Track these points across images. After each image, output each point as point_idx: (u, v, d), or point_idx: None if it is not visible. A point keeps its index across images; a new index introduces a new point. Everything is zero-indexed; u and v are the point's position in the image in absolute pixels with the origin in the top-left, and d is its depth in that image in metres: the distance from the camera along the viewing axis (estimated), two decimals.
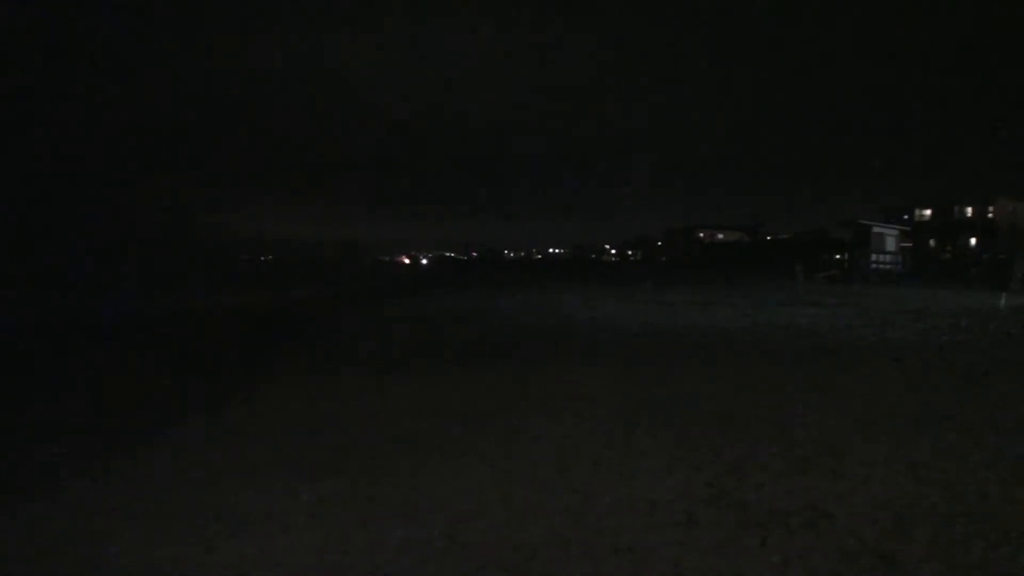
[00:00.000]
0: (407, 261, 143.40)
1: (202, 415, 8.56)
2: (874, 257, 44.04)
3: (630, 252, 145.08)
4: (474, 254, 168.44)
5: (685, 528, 4.94)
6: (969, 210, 70.95)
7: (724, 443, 6.97)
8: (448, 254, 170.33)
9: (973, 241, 67.54)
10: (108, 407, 9.18)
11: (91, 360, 13.54)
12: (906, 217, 71.23)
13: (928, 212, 74.45)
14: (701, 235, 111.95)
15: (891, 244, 46.12)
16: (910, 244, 59.96)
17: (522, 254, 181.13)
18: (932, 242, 70.96)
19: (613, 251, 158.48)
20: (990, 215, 67.68)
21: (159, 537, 4.92)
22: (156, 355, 14.13)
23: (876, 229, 45.69)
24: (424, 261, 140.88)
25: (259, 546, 4.75)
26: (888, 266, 44.45)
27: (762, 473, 6.07)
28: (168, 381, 10.99)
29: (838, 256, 51.41)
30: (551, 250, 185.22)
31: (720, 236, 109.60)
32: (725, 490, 5.67)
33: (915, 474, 6.00)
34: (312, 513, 5.32)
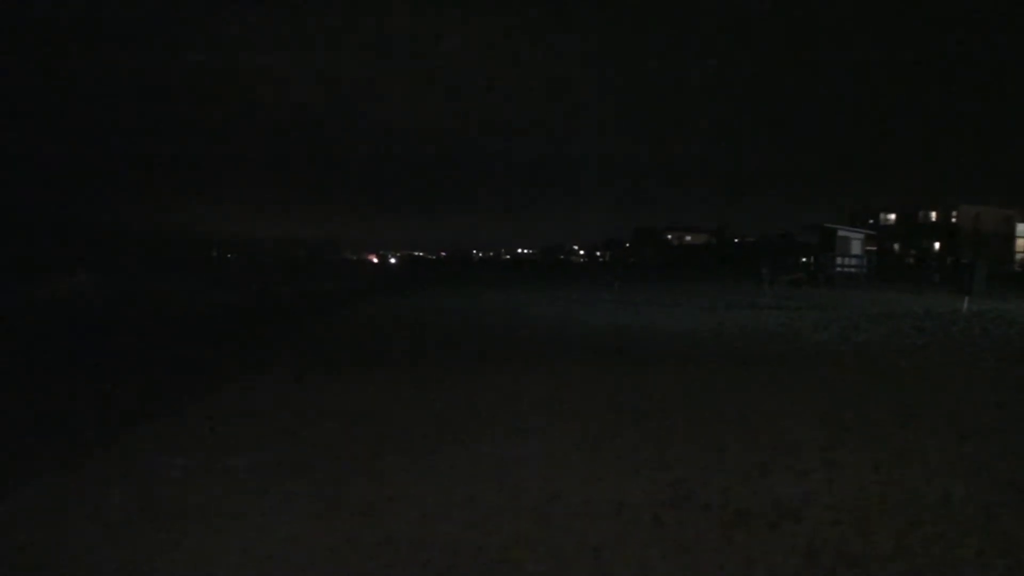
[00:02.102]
0: (375, 260, 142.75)
1: (173, 415, 8.44)
2: (839, 260, 44.47)
3: (598, 253, 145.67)
4: (443, 254, 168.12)
5: (651, 529, 4.93)
6: (933, 215, 72.05)
7: (690, 444, 6.99)
8: (417, 254, 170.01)
9: (937, 245, 68.57)
10: (69, 411, 9.02)
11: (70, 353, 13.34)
12: (871, 221, 72.20)
13: (893, 217, 75.50)
14: (669, 237, 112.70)
15: (856, 248, 46.60)
16: (875, 248, 60.73)
17: (491, 254, 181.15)
18: (896, 246, 71.97)
19: (582, 252, 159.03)
20: (953, 220, 68.75)
21: (120, 537, 4.83)
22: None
23: (841, 233, 46.16)
24: (392, 260, 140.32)
25: (225, 545, 4.68)
26: (853, 269, 44.91)
27: (727, 474, 6.09)
28: (147, 377, 10.83)
29: (804, 259, 51.86)
30: (520, 250, 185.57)
31: (688, 238, 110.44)
32: (691, 491, 5.68)
33: (879, 475, 6.05)
34: (277, 513, 5.25)
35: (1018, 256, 70.31)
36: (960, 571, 4.30)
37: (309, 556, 4.55)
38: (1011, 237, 72.16)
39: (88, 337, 16.48)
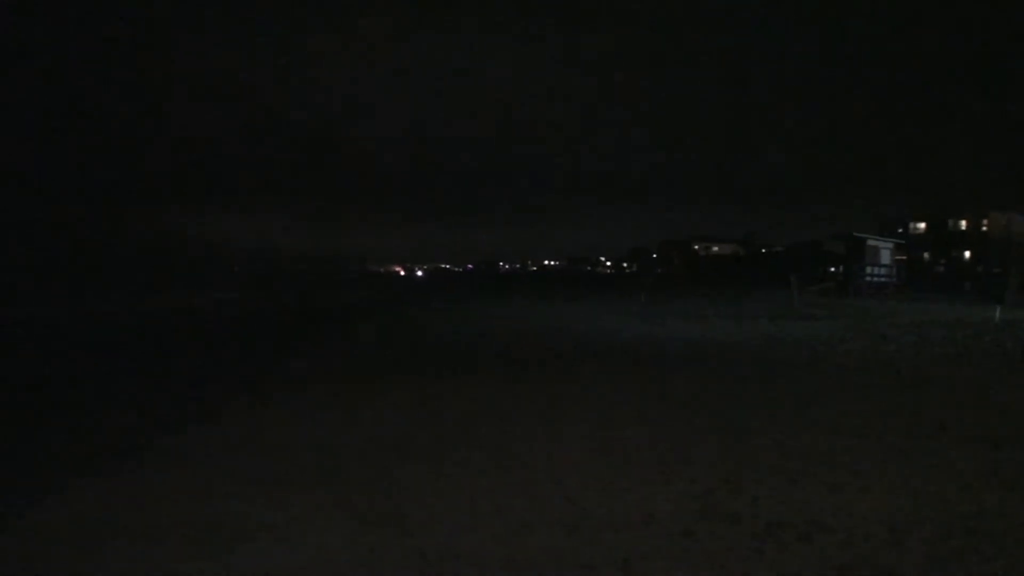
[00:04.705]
0: (402, 272, 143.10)
1: (201, 425, 8.52)
2: (869, 270, 44.10)
3: (625, 264, 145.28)
4: (470, 267, 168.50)
5: (681, 540, 4.92)
6: (963, 223, 71.18)
7: (720, 455, 6.96)
8: (444, 266, 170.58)
9: (967, 254, 67.73)
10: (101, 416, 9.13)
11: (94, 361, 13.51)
12: (900, 230, 71.45)
13: (922, 225, 74.68)
14: (696, 247, 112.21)
15: (886, 257, 46.18)
16: (904, 257, 60.09)
17: (517, 266, 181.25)
18: (926, 255, 71.13)
19: (608, 263, 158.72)
20: (984, 228, 67.87)
21: (154, 547, 4.88)
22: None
23: (871, 242, 45.75)
24: (420, 273, 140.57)
25: (252, 558, 4.72)
26: (882, 279, 44.51)
27: (758, 485, 6.06)
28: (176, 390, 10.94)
29: (833, 269, 51.51)
30: (546, 262, 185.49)
31: (715, 249, 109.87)
32: (721, 502, 5.66)
33: (911, 487, 5.99)
34: (305, 524, 5.29)
35: None
36: None
37: (337, 568, 4.58)
38: None
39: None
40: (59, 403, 10.12)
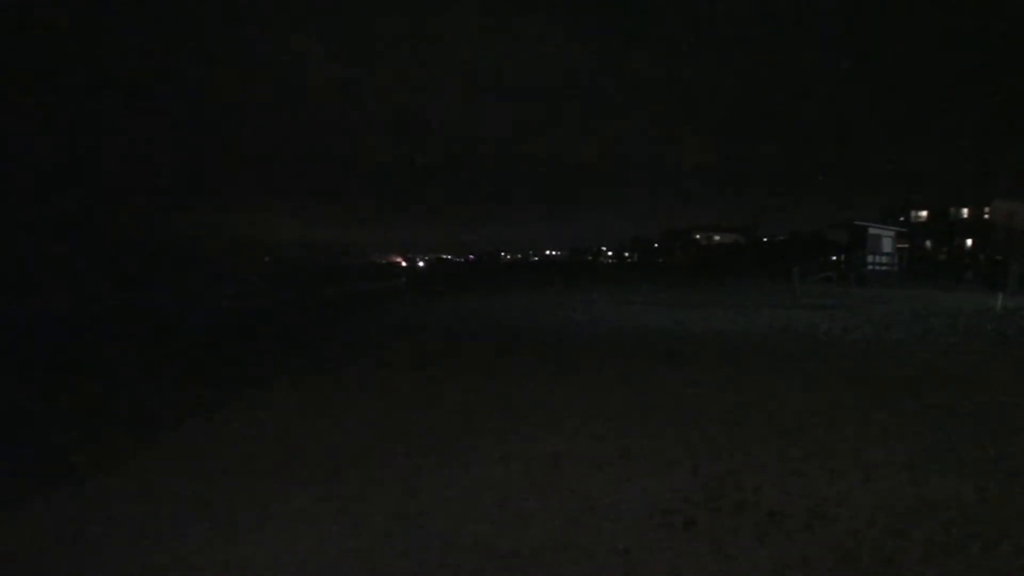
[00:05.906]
0: (403, 263, 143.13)
1: (201, 418, 8.53)
2: (870, 258, 44.02)
3: (626, 254, 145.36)
4: (471, 257, 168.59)
5: (683, 530, 4.92)
6: (965, 211, 71.10)
7: (721, 445, 6.95)
8: (445, 256, 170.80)
9: (969, 242, 67.68)
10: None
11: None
12: (902, 219, 71.36)
13: (924, 213, 74.64)
14: (698, 236, 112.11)
15: (887, 245, 46.08)
16: (906, 245, 59.98)
17: (519, 256, 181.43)
18: (928, 243, 71.09)
19: (610, 253, 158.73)
20: (986, 216, 67.78)
21: (156, 540, 4.89)
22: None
23: (872, 230, 45.65)
24: (421, 264, 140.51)
25: (254, 550, 4.72)
26: (884, 267, 44.44)
27: (760, 475, 6.06)
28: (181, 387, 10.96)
29: (835, 257, 51.36)
30: (548, 252, 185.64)
31: (717, 238, 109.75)
32: (723, 492, 5.65)
33: (914, 475, 5.99)
34: (308, 517, 5.29)
35: None
36: (997, 572, 4.25)
37: (340, 559, 4.58)
38: None
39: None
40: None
